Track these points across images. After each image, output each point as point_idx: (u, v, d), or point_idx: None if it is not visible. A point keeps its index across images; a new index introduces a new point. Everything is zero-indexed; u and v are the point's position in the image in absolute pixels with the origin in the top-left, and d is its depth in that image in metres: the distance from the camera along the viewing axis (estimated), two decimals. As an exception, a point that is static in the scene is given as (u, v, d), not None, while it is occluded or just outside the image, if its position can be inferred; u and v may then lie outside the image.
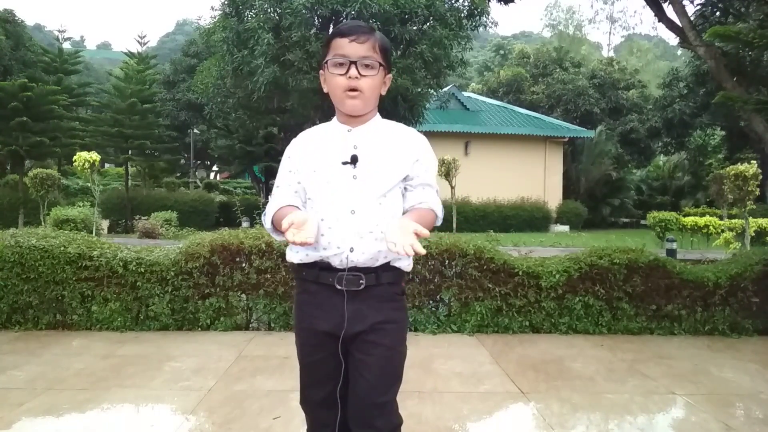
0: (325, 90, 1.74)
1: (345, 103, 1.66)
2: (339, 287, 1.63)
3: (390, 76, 1.76)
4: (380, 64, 1.66)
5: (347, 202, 1.63)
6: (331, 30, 14.73)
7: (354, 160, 1.64)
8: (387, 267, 1.67)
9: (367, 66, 1.64)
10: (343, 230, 1.62)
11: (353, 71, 1.62)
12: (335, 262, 1.63)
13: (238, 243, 4.71)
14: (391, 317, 1.68)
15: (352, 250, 1.62)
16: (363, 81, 1.63)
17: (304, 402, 1.77)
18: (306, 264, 1.68)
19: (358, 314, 1.63)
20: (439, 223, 1.76)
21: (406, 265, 1.72)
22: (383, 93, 1.74)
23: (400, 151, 1.70)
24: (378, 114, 1.76)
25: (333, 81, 1.66)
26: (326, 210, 1.64)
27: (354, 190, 1.63)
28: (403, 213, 1.70)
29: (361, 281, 1.63)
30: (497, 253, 4.92)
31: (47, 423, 2.90)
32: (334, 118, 1.76)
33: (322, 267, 1.65)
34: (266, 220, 1.72)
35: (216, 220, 20.40)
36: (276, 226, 1.66)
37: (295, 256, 1.70)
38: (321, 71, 1.73)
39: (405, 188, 1.72)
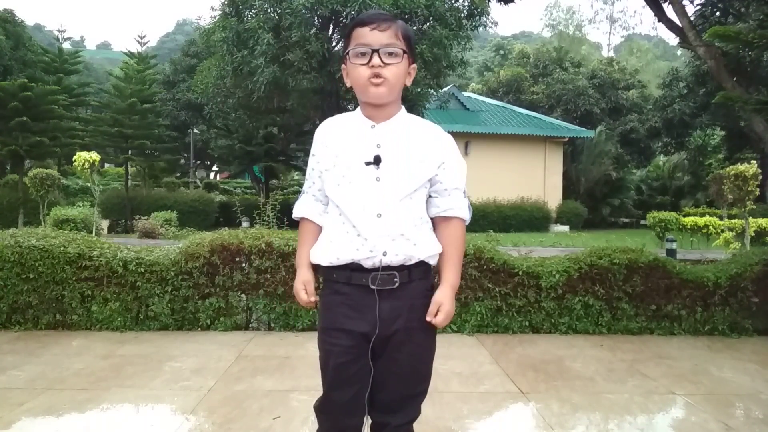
0: (348, 84, 1.69)
1: (368, 91, 1.60)
2: (373, 287, 1.59)
3: (415, 66, 1.71)
4: (404, 51, 1.61)
5: (372, 205, 1.59)
6: (330, 29, 14.79)
7: (377, 160, 1.59)
8: (418, 263, 1.64)
9: (390, 54, 1.58)
10: (373, 234, 1.58)
11: (376, 60, 1.57)
12: (368, 265, 1.60)
13: (238, 243, 4.71)
14: (423, 314, 1.65)
15: (385, 253, 1.58)
16: (387, 69, 1.58)
17: (326, 405, 1.70)
18: (336, 266, 1.64)
19: (393, 313, 1.61)
20: (467, 223, 1.75)
21: (435, 260, 1.70)
22: (408, 84, 1.69)
23: (426, 154, 1.65)
24: (403, 108, 1.71)
25: (355, 71, 1.61)
26: (352, 213, 1.60)
27: (378, 192, 1.59)
28: (432, 218, 1.69)
29: (395, 279, 1.60)
30: (497, 253, 4.92)
31: (47, 423, 2.90)
32: (358, 109, 1.70)
33: (353, 268, 1.61)
34: (295, 212, 1.79)
35: (216, 220, 20.39)
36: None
37: (323, 258, 1.65)
38: (343, 65, 1.69)
39: (430, 194, 1.68)
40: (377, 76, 1.58)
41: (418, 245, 1.62)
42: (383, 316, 1.59)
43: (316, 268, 1.73)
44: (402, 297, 1.62)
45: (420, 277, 1.65)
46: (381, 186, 1.59)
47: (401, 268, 1.61)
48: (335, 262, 1.62)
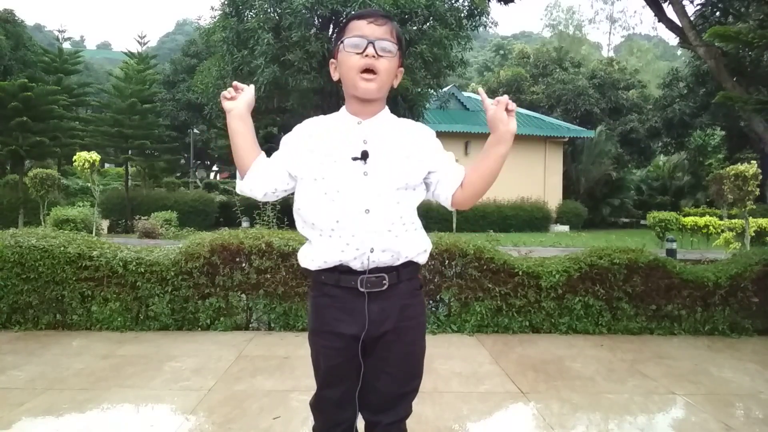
0: (335, 78, 1.68)
1: (358, 85, 1.58)
2: (362, 289, 1.58)
3: (402, 69, 1.71)
4: (397, 49, 1.62)
5: (360, 200, 1.57)
6: (330, 29, 14.80)
7: (364, 155, 1.57)
8: (406, 263, 1.64)
9: (384, 48, 1.58)
10: (360, 230, 1.56)
11: (370, 50, 1.56)
12: (356, 265, 1.58)
13: (238, 243, 4.71)
14: (412, 314, 1.66)
15: (372, 250, 1.57)
16: (380, 62, 1.57)
17: (320, 402, 1.73)
18: (325, 269, 1.63)
19: (383, 314, 1.61)
20: None
21: (423, 259, 1.70)
22: (395, 85, 1.70)
23: (413, 151, 1.64)
24: (387, 107, 1.71)
25: (348, 61, 1.58)
26: (340, 209, 1.58)
27: (366, 187, 1.57)
28: (449, 195, 1.74)
29: (384, 282, 1.59)
30: (497, 253, 4.92)
31: (47, 423, 2.90)
32: (343, 108, 1.69)
33: (342, 271, 1.60)
34: (238, 181, 1.84)
35: (216, 220, 20.36)
36: (243, 166, 1.78)
37: (312, 263, 1.64)
38: (332, 60, 1.67)
39: (436, 180, 1.71)
40: (369, 70, 1.57)
41: (406, 243, 1.62)
42: (372, 318, 1.59)
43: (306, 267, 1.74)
44: (391, 298, 1.62)
45: (408, 277, 1.66)
46: (369, 181, 1.58)
47: (389, 269, 1.61)
48: (323, 266, 1.62)
